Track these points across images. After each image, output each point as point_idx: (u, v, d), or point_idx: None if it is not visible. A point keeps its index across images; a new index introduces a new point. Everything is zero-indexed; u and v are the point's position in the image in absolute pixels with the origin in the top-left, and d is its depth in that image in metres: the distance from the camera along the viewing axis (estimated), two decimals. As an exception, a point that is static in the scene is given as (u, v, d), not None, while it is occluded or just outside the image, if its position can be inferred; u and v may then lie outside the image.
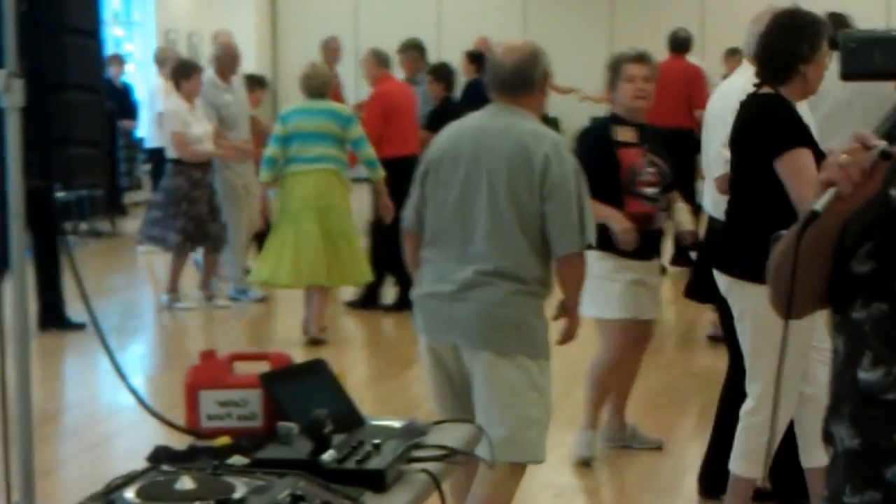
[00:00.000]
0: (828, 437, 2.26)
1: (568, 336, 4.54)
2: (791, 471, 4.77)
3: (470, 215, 4.24)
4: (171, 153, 9.67)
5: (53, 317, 8.78)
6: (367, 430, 2.88)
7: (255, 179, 9.82)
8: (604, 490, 5.87)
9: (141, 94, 16.36)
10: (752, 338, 4.53)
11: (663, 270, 11.19)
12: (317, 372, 3.07)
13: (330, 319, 9.04)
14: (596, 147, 5.65)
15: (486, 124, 4.33)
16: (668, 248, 11.44)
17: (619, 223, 5.44)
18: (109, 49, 15.59)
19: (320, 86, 8.54)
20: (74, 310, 8.74)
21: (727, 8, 17.84)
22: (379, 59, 9.92)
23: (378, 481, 2.59)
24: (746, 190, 4.54)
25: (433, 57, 12.10)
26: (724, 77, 11.02)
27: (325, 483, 2.50)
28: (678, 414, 6.96)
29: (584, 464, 5.85)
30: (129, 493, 2.38)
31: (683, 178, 10.35)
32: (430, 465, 2.75)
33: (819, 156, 4.23)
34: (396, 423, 2.90)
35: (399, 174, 8.53)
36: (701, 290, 5.53)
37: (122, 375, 3.45)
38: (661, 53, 11.97)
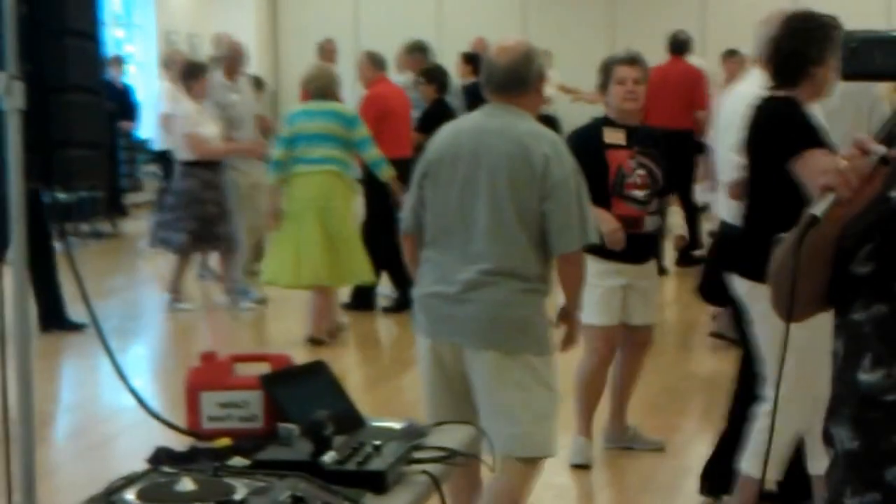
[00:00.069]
0: (828, 439, 2.27)
1: (569, 341, 4.56)
2: (794, 473, 4.76)
3: (470, 215, 4.25)
4: (182, 155, 9.62)
5: (54, 318, 8.78)
6: (368, 431, 2.88)
7: (264, 178, 9.86)
8: (604, 491, 5.87)
9: (141, 96, 16.37)
10: (772, 342, 4.50)
11: (663, 272, 11.25)
12: (317, 373, 3.07)
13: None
14: (584, 149, 5.61)
15: (485, 124, 4.34)
16: (669, 250, 11.51)
17: (606, 224, 5.43)
18: (110, 51, 15.59)
19: (325, 86, 8.55)
20: (75, 311, 8.74)
21: (727, 9, 17.86)
22: (374, 62, 9.93)
23: (378, 483, 2.59)
24: (761, 193, 4.52)
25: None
26: (726, 81, 11.06)
27: (325, 484, 2.50)
28: (679, 415, 6.96)
29: (584, 466, 5.85)
30: (130, 495, 2.38)
31: (682, 179, 10.38)
32: (430, 467, 2.75)
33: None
34: (397, 425, 2.90)
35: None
36: (713, 291, 5.51)
37: (122, 377, 3.45)
38: (661, 54, 12.02)
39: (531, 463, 4.31)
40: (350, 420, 2.91)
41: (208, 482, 2.44)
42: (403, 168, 8.40)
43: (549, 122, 13.61)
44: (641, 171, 5.70)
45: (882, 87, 8.19)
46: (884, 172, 2.09)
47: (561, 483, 5.65)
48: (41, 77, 3.57)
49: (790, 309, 2.18)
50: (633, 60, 5.81)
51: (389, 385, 7.76)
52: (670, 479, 5.84)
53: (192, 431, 2.94)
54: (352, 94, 14.71)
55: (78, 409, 7.39)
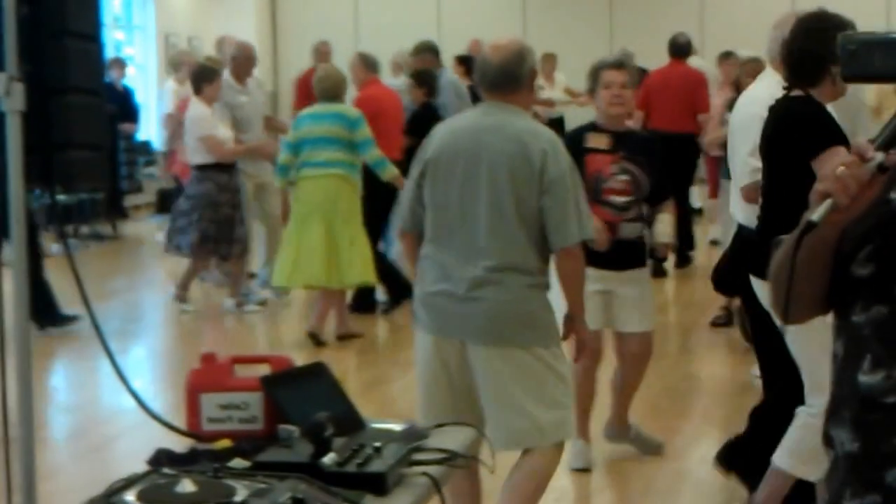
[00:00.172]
0: (828, 441, 2.27)
1: (580, 349, 4.59)
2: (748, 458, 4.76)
3: (471, 213, 4.29)
4: (196, 159, 9.56)
5: (48, 315, 8.76)
6: (368, 433, 2.88)
7: (269, 180, 9.87)
8: (605, 494, 5.86)
9: (141, 98, 16.37)
10: (805, 347, 4.46)
11: (662, 273, 11.26)
12: (317, 375, 3.07)
13: (330, 322, 9.04)
14: None
15: (482, 123, 4.39)
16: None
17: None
18: (110, 52, 15.59)
19: (332, 88, 8.56)
20: (71, 307, 8.74)
21: (726, 10, 17.87)
22: (366, 63, 9.96)
23: (379, 484, 2.59)
24: (781, 194, 4.51)
25: (434, 60, 12.10)
26: (723, 83, 11.07)
27: (325, 486, 2.50)
28: (679, 417, 6.96)
29: (584, 470, 5.84)
30: (130, 496, 2.38)
31: (682, 182, 10.37)
32: (430, 469, 2.75)
33: None
34: (397, 427, 2.91)
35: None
36: (729, 283, 5.46)
37: (122, 378, 3.45)
38: (660, 55, 12.02)
39: (555, 449, 4.39)
40: (350, 422, 2.91)
41: (208, 484, 2.44)
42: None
43: (557, 124, 13.65)
44: (623, 177, 5.64)
45: (870, 93, 8.20)
46: (882, 179, 2.10)
47: (561, 486, 5.64)
48: (42, 78, 3.57)
49: (786, 311, 2.19)
50: (620, 65, 5.76)
51: (390, 387, 7.76)
52: (670, 482, 5.83)
53: (193, 433, 2.94)
54: (348, 95, 14.74)
55: (78, 411, 7.39)
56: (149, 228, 15.30)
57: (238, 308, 9.82)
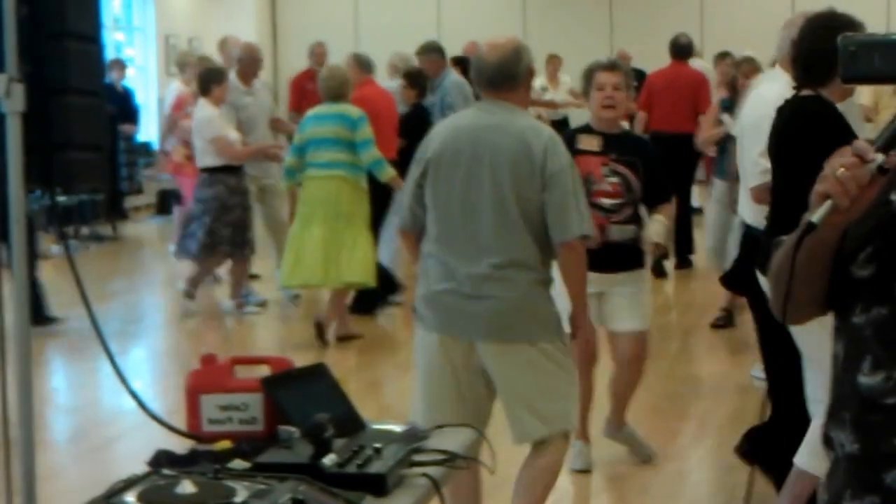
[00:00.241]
0: (828, 442, 2.26)
1: (584, 342, 4.72)
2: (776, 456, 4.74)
3: (474, 211, 4.33)
4: (205, 161, 9.51)
5: (36, 315, 8.75)
6: (368, 434, 2.88)
7: (272, 182, 9.88)
8: (604, 495, 5.86)
9: (141, 99, 16.37)
10: (816, 346, 4.42)
11: (663, 273, 11.27)
12: (317, 376, 3.07)
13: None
14: None
15: (482, 121, 4.42)
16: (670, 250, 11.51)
17: None
18: (110, 54, 15.59)
19: (336, 88, 8.56)
20: (77, 313, 8.75)
21: (725, 11, 17.88)
22: (360, 64, 9.98)
23: (379, 485, 2.59)
24: (791, 194, 4.48)
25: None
26: (719, 83, 11.09)
27: (325, 487, 2.50)
28: (679, 419, 6.95)
29: (584, 471, 5.84)
30: (130, 497, 2.38)
31: (683, 183, 10.37)
32: (430, 470, 2.75)
33: None
34: (397, 428, 2.90)
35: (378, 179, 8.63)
36: (740, 281, 5.44)
37: (123, 379, 3.45)
38: (660, 56, 12.02)
39: (562, 438, 4.51)
40: (350, 423, 2.91)
41: (208, 485, 2.44)
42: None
43: (561, 125, 13.65)
44: (613, 179, 5.61)
45: (866, 94, 8.21)
46: (881, 180, 2.10)
47: (561, 487, 5.63)
48: (42, 79, 3.57)
49: (784, 312, 2.20)
50: (613, 66, 5.74)
51: (390, 388, 7.76)
52: (670, 483, 5.83)
53: (193, 434, 2.94)
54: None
55: (78, 412, 7.39)
56: (149, 230, 15.31)
57: (238, 309, 9.81)
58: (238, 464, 2.63)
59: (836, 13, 4.52)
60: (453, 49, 14.28)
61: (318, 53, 13.02)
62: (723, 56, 11.74)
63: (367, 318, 9.43)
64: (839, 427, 2.22)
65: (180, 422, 3.02)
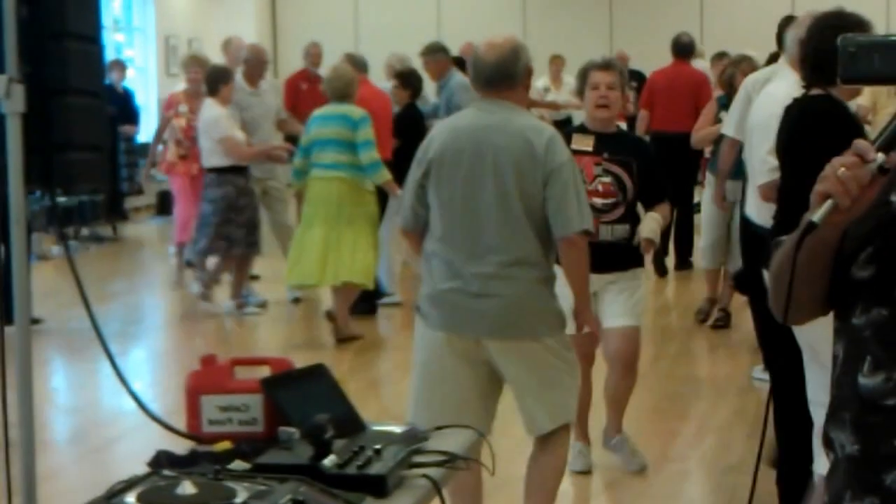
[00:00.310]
0: (828, 443, 2.26)
1: (594, 341, 4.85)
2: (800, 476, 4.70)
3: (478, 210, 4.36)
4: (212, 161, 9.50)
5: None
6: (368, 435, 2.87)
7: (277, 182, 9.87)
8: (604, 496, 5.85)
9: (141, 100, 16.37)
10: (819, 343, 4.40)
11: (663, 270, 11.28)
12: (317, 377, 3.07)
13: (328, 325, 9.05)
14: None
15: (482, 121, 4.44)
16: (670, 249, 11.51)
17: None
18: (110, 54, 15.59)
19: (342, 88, 8.57)
20: (77, 313, 8.75)
21: (726, 10, 17.88)
22: (354, 65, 9.99)
23: (379, 487, 2.59)
24: (800, 193, 4.46)
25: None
26: (716, 83, 11.08)
27: (326, 488, 2.50)
28: (679, 420, 6.95)
29: (584, 471, 5.83)
30: (131, 498, 2.38)
31: (686, 182, 10.35)
32: (430, 471, 2.75)
33: None
34: (397, 429, 2.90)
35: None
36: (748, 283, 5.42)
37: (123, 380, 3.45)
38: (659, 56, 12.02)
39: (562, 431, 4.62)
40: (350, 424, 2.91)
41: (209, 486, 2.44)
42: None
43: (566, 125, 13.65)
44: (606, 179, 5.59)
45: (862, 97, 8.20)
46: (882, 180, 2.10)
47: (561, 488, 5.61)
48: (42, 79, 3.57)
49: (786, 313, 2.20)
50: (607, 65, 5.70)
51: (390, 389, 7.76)
52: (671, 484, 5.83)
53: (193, 435, 2.94)
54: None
55: (79, 413, 7.39)
56: (149, 230, 15.31)
57: (238, 310, 9.81)
58: (238, 465, 2.63)
59: (844, 12, 4.49)
60: (453, 49, 14.29)
61: (313, 54, 13.01)
62: (720, 56, 11.74)
63: (367, 319, 9.43)
64: (839, 428, 2.22)
65: (180, 423, 3.02)
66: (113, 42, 17.05)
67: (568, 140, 5.57)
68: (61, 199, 12.55)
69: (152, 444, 2.87)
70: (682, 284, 11.21)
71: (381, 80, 11.13)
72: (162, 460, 2.71)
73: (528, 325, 4.40)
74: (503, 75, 4.42)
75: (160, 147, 11.34)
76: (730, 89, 8.95)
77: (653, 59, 12.42)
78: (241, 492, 2.40)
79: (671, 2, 18.26)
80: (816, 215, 2.08)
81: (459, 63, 11.58)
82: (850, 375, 2.19)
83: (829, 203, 2.07)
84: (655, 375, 7.79)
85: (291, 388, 2.94)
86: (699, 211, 9.42)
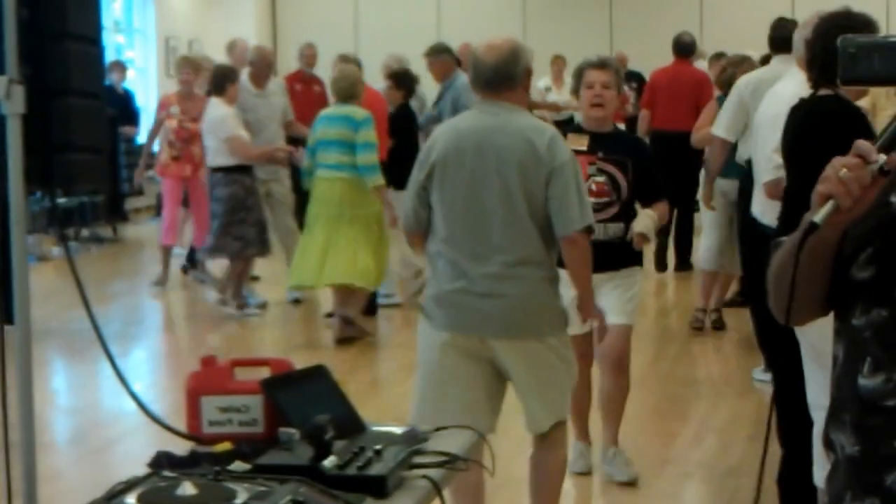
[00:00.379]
0: (828, 444, 2.27)
1: (602, 331, 4.95)
2: (800, 485, 4.69)
3: (483, 211, 4.39)
4: (219, 160, 9.48)
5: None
6: (369, 436, 2.87)
7: (280, 185, 9.87)
8: (605, 497, 5.85)
9: (141, 101, 16.37)
10: (817, 345, 4.37)
11: (663, 266, 11.29)
12: (317, 378, 3.07)
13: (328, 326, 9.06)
14: None
15: (485, 123, 4.45)
16: (671, 246, 11.52)
17: None
18: (111, 56, 15.59)
19: (347, 88, 8.57)
20: (78, 314, 8.75)
21: (725, 11, 17.88)
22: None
23: (379, 487, 2.59)
24: (807, 195, 4.44)
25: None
26: (716, 83, 11.09)
27: (326, 489, 2.49)
28: (679, 421, 6.95)
29: (584, 473, 5.83)
30: (131, 499, 2.38)
31: (687, 182, 10.36)
32: (431, 472, 2.75)
33: None
34: (397, 430, 2.90)
35: None
36: (750, 284, 5.39)
37: (123, 381, 3.45)
38: (659, 56, 12.01)
39: (560, 428, 4.68)
40: (351, 425, 2.91)
41: (209, 486, 2.44)
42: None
43: (567, 125, 13.65)
44: (600, 178, 5.57)
45: (862, 98, 8.20)
46: (883, 181, 2.10)
47: (562, 488, 5.63)
48: (42, 81, 3.57)
49: (788, 314, 2.20)
50: (602, 64, 5.68)
51: (390, 390, 7.76)
52: (671, 485, 5.83)
53: (193, 436, 2.94)
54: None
55: (79, 414, 7.39)
56: (149, 231, 15.29)
57: (238, 311, 9.81)
58: (238, 465, 2.63)
59: (851, 12, 4.45)
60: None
61: (307, 55, 13.02)
62: (717, 57, 11.74)
63: (367, 320, 9.43)
64: (839, 429, 2.22)
65: (180, 423, 3.02)
66: (113, 43, 17.05)
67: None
68: (61, 201, 12.55)
69: (152, 445, 2.87)
70: (682, 285, 11.21)
71: (379, 80, 11.13)
72: (162, 461, 2.71)
73: (533, 324, 4.44)
74: (503, 76, 4.44)
75: (156, 149, 11.33)
76: (729, 89, 8.95)
77: (653, 59, 12.41)
78: (242, 493, 2.40)
79: (671, 2, 18.26)
80: (818, 216, 2.09)
81: (457, 63, 11.59)
82: (851, 376, 2.19)
83: (830, 204, 2.08)
84: (655, 377, 7.79)
85: (292, 389, 2.94)
86: (699, 209, 9.40)
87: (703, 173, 9.03)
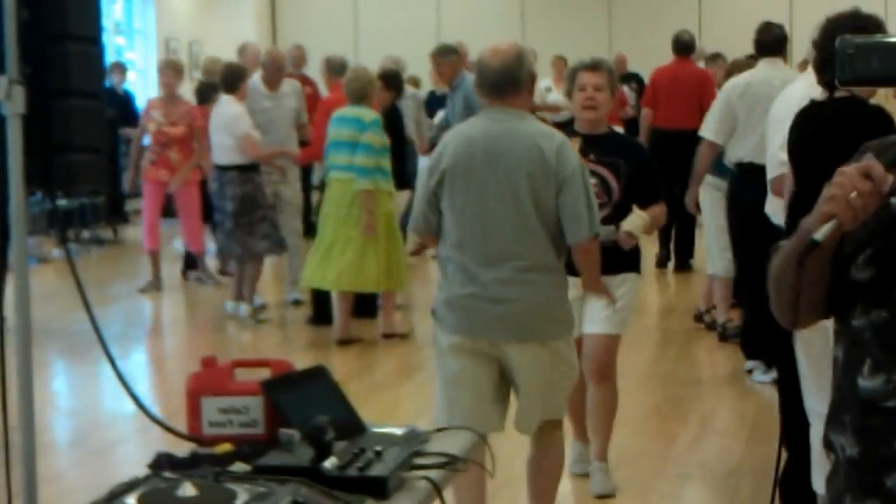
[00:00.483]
0: (829, 446, 2.26)
1: (610, 300, 5.06)
2: (799, 492, 4.68)
3: (494, 217, 4.42)
4: (230, 158, 9.46)
5: None
6: (369, 437, 2.87)
7: (289, 187, 9.88)
8: (602, 498, 5.84)
9: (142, 102, 16.35)
10: (817, 352, 4.30)
11: (664, 264, 11.29)
12: (318, 379, 3.07)
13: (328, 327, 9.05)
14: None
15: (493, 129, 4.48)
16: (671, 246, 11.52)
17: None
18: (111, 57, 15.59)
19: (360, 89, 8.56)
20: (78, 316, 8.75)
21: (725, 11, 17.88)
22: (331, 67, 10.00)
23: (380, 489, 2.59)
24: (816, 196, 4.41)
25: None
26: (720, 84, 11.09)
27: (326, 490, 2.49)
28: (679, 422, 6.94)
29: (584, 474, 5.82)
30: (131, 500, 2.38)
31: (688, 179, 10.38)
32: (431, 473, 2.75)
33: None
34: (398, 431, 2.90)
35: None
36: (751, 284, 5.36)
37: (124, 383, 3.45)
38: (659, 56, 12.01)
39: (556, 429, 4.75)
40: (351, 426, 2.91)
41: (209, 487, 2.44)
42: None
43: (568, 126, 13.64)
44: (591, 181, 5.54)
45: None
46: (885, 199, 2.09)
47: (560, 490, 5.62)
48: (42, 81, 3.57)
49: (794, 322, 2.21)
50: (595, 66, 5.60)
51: (390, 391, 7.76)
52: (671, 486, 5.83)
53: (193, 437, 2.94)
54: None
55: (79, 416, 7.39)
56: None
57: (254, 316, 9.80)
58: (239, 467, 2.63)
59: (859, 13, 4.43)
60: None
61: (296, 57, 13.04)
62: (714, 57, 11.74)
63: (368, 321, 9.43)
64: (839, 431, 2.22)
65: (181, 425, 3.02)
66: (114, 45, 17.06)
67: None
68: (62, 202, 12.55)
69: (153, 446, 2.87)
70: (682, 286, 11.21)
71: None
72: (162, 462, 2.71)
73: (540, 328, 4.49)
74: (508, 81, 4.47)
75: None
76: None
77: (652, 59, 12.41)
78: (242, 494, 2.40)
79: (670, 2, 18.27)
80: (819, 234, 2.07)
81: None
82: (850, 378, 2.19)
83: (833, 223, 2.06)
84: (656, 377, 7.79)
85: (292, 390, 2.93)
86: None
87: (709, 175, 8.99)
